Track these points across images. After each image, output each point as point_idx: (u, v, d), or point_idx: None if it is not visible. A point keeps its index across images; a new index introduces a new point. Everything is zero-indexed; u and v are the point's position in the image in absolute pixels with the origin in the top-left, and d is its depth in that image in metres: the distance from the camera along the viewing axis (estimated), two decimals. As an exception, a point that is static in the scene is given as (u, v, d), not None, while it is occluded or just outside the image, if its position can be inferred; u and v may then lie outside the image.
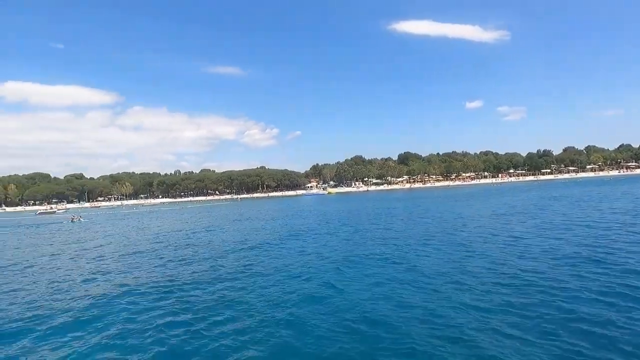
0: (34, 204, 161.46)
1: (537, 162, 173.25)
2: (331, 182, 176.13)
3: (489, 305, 9.02)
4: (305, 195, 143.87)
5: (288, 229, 29.89)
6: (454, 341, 7.29)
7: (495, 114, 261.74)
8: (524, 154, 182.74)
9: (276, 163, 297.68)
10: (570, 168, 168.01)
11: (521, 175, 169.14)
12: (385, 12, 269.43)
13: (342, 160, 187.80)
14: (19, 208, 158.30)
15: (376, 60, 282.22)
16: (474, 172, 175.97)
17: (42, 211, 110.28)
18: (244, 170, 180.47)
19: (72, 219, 58.83)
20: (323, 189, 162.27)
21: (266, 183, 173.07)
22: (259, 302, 10.56)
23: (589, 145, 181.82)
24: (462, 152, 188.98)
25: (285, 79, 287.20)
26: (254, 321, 9.10)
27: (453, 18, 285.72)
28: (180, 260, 17.68)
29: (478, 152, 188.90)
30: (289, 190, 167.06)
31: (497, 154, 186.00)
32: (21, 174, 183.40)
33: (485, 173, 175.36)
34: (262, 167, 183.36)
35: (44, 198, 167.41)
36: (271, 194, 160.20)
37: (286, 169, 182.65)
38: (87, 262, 19.05)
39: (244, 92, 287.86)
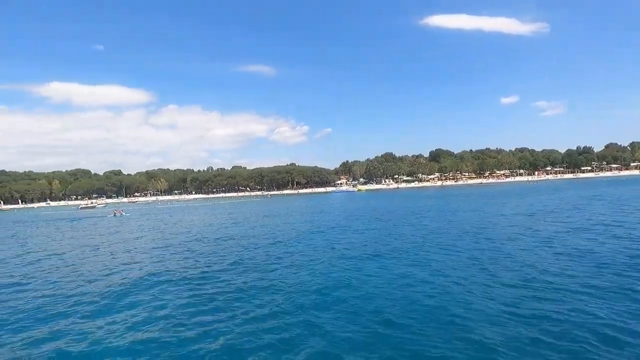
0: (76, 199, 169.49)
1: (576, 159, 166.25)
2: (361, 179, 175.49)
3: (516, 310, 8.72)
4: (334, 192, 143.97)
5: (316, 224, 30.07)
6: (471, 343, 7.24)
7: (532, 109, 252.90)
8: (562, 151, 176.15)
9: (306, 160, 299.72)
10: (613, 165, 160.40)
11: (559, 173, 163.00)
12: (418, 7, 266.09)
13: (372, 157, 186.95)
14: (62, 203, 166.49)
15: (408, 56, 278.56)
16: (509, 169, 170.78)
17: (83, 206, 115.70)
18: (274, 167, 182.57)
19: (115, 213, 61.47)
20: (353, 185, 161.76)
21: (296, 180, 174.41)
22: (280, 296, 10.78)
23: (633, 142, 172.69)
24: (496, 148, 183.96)
25: (316, 76, 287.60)
26: (271, 315, 9.30)
27: (489, 11, 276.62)
28: (210, 253, 18.43)
29: (513, 149, 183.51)
30: (318, 187, 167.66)
31: (533, 150, 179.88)
32: (64, 170, 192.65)
33: (521, 170, 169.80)
34: (292, 164, 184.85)
35: (85, 193, 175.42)
36: (301, 191, 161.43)
37: (316, 166, 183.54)
38: (126, 252, 20.56)
39: (274, 90, 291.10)
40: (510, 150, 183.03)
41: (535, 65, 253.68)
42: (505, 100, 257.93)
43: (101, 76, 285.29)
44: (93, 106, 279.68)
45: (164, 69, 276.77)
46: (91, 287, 13.05)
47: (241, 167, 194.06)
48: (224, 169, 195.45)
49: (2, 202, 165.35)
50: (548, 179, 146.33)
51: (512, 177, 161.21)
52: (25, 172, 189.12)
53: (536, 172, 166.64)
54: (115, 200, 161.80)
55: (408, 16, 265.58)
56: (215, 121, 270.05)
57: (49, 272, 16.10)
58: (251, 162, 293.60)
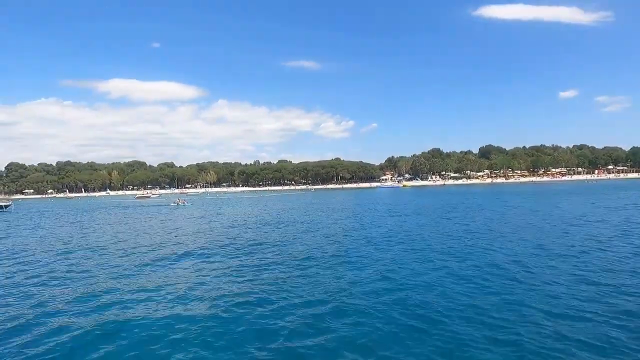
0: (132, 189, 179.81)
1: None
2: (406, 175, 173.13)
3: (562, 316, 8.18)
4: (379, 187, 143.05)
5: (359, 219, 29.85)
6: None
7: (593, 104, 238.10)
8: (626, 149, 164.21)
9: (350, 155, 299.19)
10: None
11: (622, 172, 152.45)
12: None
13: (418, 153, 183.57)
14: (120, 192, 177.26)
15: (459, 49, 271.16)
16: (566, 167, 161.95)
17: (139, 195, 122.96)
18: (318, 161, 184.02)
19: (178, 202, 64.60)
20: (398, 181, 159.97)
21: (340, 175, 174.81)
22: (314, 287, 10.79)
23: None
24: (552, 145, 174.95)
25: (362, 71, 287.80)
26: (303, 305, 9.34)
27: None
28: (255, 244, 19.01)
29: (571, 146, 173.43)
30: (363, 183, 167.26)
31: (593, 148, 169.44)
32: (122, 162, 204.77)
33: (579, 169, 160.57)
34: (336, 159, 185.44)
35: (140, 184, 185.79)
36: (345, 186, 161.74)
37: (361, 161, 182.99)
38: (186, 235, 23.02)
39: (321, 85, 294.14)
40: (567, 147, 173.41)
41: (597, 57, 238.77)
42: (564, 95, 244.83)
43: (157, 73, 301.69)
44: (149, 101, 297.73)
45: (214, 65, 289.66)
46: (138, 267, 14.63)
47: (287, 161, 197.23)
48: (270, 162, 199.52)
49: (67, 191, 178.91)
50: (609, 178, 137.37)
51: (569, 176, 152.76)
52: (88, 162, 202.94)
53: (596, 171, 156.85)
54: (168, 191, 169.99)
55: (460, 7, 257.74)
56: (262, 116, 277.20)
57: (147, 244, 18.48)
58: (296, 157, 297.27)
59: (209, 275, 12.68)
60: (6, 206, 61.33)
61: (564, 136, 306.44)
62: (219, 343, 7.49)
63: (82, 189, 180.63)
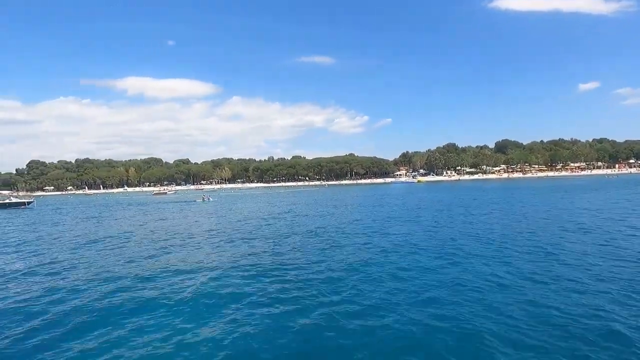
0: (149, 186, 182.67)
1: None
2: (421, 171, 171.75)
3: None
4: (394, 183, 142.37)
5: (374, 216, 28.49)
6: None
7: (614, 96, 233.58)
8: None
9: (365, 150, 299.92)
10: None
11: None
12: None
13: (433, 148, 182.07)
14: (137, 189, 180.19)
15: (474, 42, 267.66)
16: (585, 161, 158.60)
17: (156, 192, 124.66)
18: (332, 157, 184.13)
19: (203, 198, 65.49)
20: (412, 177, 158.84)
21: (354, 170, 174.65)
22: (324, 285, 10.22)
23: None
24: (571, 139, 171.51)
25: (377, 66, 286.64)
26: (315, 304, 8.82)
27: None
28: (277, 243, 17.97)
29: (590, 140, 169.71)
30: (377, 178, 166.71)
31: (614, 141, 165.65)
32: (139, 159, 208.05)
33: (599, 163, 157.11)
34: (350, 155, 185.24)
35: (157, 180, 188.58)
36: (359, 181, 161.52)
37: (375, 157, 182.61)
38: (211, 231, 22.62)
39: (334, 80, 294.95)
40: (587, 141, 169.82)
41: (618, 48, 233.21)
42: (584, 87, 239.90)
43: (172, 70, 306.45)
44: (164, 99, 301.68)
45: (228, 62, 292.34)
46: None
47: (300, 157, 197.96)
48: (284, 158, 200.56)
49: (86, 188, 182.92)
50: (631, 173, 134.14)
51: (589, 170, 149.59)
52: (105, 160, 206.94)
53: (617, 165, 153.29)
54: (183, 187, 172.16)
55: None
56: (276, 112, 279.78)
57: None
58: (309, 152, 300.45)
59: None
60: (29, 203, 62.84)
61: (584, 130, 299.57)
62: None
63: (100, 186, 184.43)
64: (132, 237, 21.29)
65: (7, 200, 62.57)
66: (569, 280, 9.65)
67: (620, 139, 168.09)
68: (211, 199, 64.76)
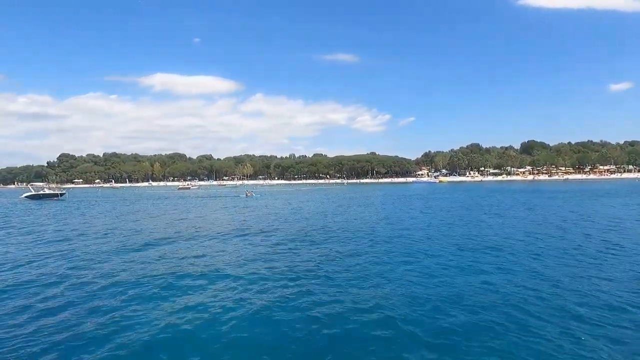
0: (173, 180, 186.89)
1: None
2: (443, 171, 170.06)
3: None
4: (415, 182, 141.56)
5: (395, 217, 26.95)
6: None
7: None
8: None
9: (386, 149, 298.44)
10: None
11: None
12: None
13: (456, 148, 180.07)
14: (161, 183, 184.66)
15: (502, 40, 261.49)
16: (615, 164, 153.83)
17: (181, 187, 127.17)
18: (354, 155, 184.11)
19: (247, 194, 66.94)
20: (434, 177, 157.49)
21: (376, 169, 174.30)
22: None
23: None
24: (601, 141, 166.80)
25: (400, 64, 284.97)
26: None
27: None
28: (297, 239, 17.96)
29: (621, 142, 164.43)
30: (398, 177, 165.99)
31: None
32: (164, 154, 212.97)
33: (630, 166, 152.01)
34: (372, 153, 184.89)
35: (180, 175, 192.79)
36: (380, 180, 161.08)
37: (396, 156, 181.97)
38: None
39: (358, 78, 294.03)
40: (617, 144, 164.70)
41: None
42: (616, 87, 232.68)
43: (197, 67, 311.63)
44: (189, 95, 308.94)
45: (252, 59, 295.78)
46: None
47: (322, 154, 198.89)
48: (305, 156, 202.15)
49: (113, 181, 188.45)
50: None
51: (619, 174, 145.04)
52: (132, 154, 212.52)
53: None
54: (206, 182, 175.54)
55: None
56: (298, 109, 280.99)
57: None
58: (331, 150, 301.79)
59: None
60: (61, 194, 65.55)
61: (615, 132, 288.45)
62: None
63: (126, 180, 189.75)
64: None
65: (42, 192, 65.47)
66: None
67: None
68: (254, 195, 66.28)
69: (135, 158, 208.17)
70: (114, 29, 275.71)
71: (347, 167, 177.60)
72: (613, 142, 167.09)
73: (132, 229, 22.66)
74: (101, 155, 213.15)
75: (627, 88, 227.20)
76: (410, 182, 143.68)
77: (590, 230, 18.94)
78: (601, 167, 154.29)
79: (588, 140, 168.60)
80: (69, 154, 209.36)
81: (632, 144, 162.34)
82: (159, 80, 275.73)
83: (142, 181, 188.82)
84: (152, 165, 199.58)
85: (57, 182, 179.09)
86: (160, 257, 14.03)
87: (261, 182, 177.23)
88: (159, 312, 8.28)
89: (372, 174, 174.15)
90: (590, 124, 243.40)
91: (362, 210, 33.33)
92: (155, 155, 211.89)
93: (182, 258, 13.73)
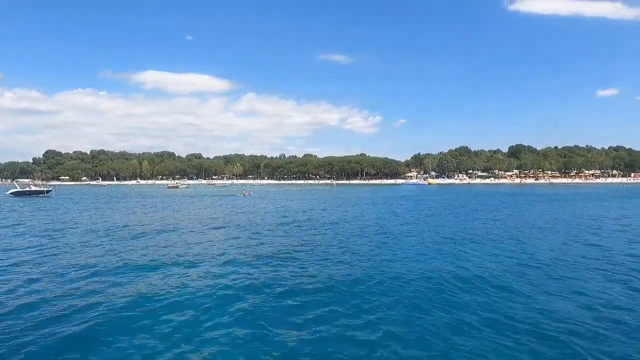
0: (161, 179, 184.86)
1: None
2: (432, 173, 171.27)
3: None
4: (404, 184, 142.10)
5: (381, 219, 26.29)
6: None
7: (633, 103, 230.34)
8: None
9: (377, 151, 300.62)
10: None
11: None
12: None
13: (445, 150, 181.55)
14: (149, 182, 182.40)
15: (492, 45, 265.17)
16: (600, 169, 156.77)
17: (170, 185, 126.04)
18: (344, 156, 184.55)
19: (244, 193, 66.48)
20: (423, 179, 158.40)
21: (365, 170, 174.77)
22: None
23: None
24: (586, 146, 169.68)
25: (393, 66, 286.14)
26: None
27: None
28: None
29: (606, 147, 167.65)
30: (388, 179, 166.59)
31: (630, 150, 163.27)
32: (152, 152, 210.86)
33: (614, 171, 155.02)
34: (362, 155, 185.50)
35: (169, 174, 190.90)
36: (370, 182, 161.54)
37: (386, 157, 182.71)
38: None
39: (350, 79, 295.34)
40: (602, 149, 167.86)
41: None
42: (602, 93, 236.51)
43: (189, 65, 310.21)
44: (181, 93, 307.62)
45: (245, 58, 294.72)
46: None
47: (312, 155, 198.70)
48: (295, 156, 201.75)
49: (100, 179, 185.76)
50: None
51: (603, 178, 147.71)
52: (120, 152, 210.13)
53: (632, 174, 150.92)
54: (195, 181, 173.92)
55: (496, 1, 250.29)
56: (290, 110, 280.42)
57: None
58: (323, 151, 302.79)
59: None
60: (48, 191, 64.25)
61: (601, 137, 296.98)
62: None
63: (114, 177, 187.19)
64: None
65: (28, 189, 64.22)
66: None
67: (638, 147, 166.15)
68: (252, 194, 65.87)
69: (123, 156, 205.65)
70: (103, 25, 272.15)
71: (337, 168, 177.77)
72: (598, 147, 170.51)
73: (116, 225, 22.56)
74: (88, 152, 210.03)
75: (613, 94, 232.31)
76: (399, 184, 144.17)
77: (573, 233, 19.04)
78: (586, 171, 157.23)
79: (574, 145, 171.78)
80: (55, 151, 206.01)
81: (616, 149, 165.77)
82: (150, 77, 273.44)
83: (130, 179, 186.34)
84: (140, 164, 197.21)
85: (42, 179, 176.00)
86: (144, 252, 14.13)
87: (251, 181, 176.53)
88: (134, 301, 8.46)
89: (362, 175, 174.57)
90: (576, 129, 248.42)
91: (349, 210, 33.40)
92: (143, 153, 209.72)
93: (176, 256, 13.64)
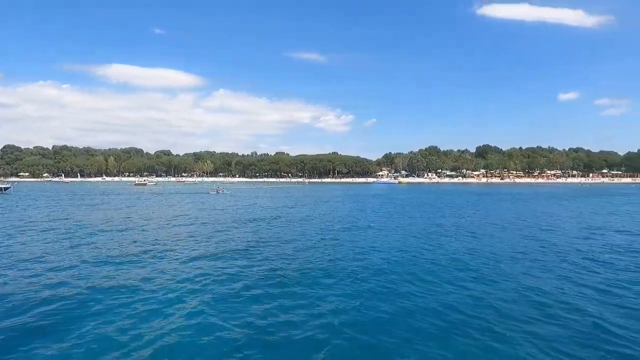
0: (128, 176, 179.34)
1: (637, 162, 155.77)
2: (403, 172, 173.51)
3: None
4: (376, 183, 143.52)
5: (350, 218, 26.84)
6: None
7: (592, 107, 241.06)
8: (622, 153, 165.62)
9: (349, 149, 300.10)
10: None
11: (616, 177, 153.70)
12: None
13: (415, 150, 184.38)
14: (116, 178, 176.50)
15: (461, 47, 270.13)
16: (560, 169, 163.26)
17: (138, 182, 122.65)
18: (316, 155, 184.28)
19: (217, 190, 65.11)
20: (394, 178, 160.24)
21: (337, 169, 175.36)
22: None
23: None
24: (549, 147, 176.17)
25: (365, 65, 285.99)
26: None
27: (554, 1, 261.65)
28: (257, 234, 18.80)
29: (567, 149, 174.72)
30: (359, 177, 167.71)
31: (589, 151, 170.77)
32: (119, 148, 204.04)
33: (574, 172, 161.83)
34: (334, 153, 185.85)
35: (137, 171, 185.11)
36: (342, 180, 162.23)
37: (358, 156, 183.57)
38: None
39: (323, 78, 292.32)
40: (563, 150, 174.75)
41: (599, 60, 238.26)
42: (564, 97, 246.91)
43: (158, 59, 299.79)
44: (149, 88, 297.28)
45: (216, 54, 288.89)
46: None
47: (284, 153, 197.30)
48: (267, 154, 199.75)
49: (63, 175, 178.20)
50: (604, 183, 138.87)
51: (564, 178, 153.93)
52: (84, 147, 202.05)
53: (590, 175, 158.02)
54: (164, 179, 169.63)
55: (466, 5, 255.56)
56: (263, 107, 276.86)
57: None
58: (294, 149, 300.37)
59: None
60: (6, 188, 61.10)
61: (562, 138, 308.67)
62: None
63: (78, 174, 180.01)
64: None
65: None
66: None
67: (595, 149, 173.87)
68: (225, 191, 64.63)
69: (88, 152, 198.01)
70: (66, 17, 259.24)
71: (310, 167, 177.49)
72: (560, 148, 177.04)
73: (77, 223, 22.00)
74: (50, 147, 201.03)
75: (574, 98, 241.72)
76: (370, 183, 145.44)
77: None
78: (548, 171, 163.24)
79: (537, 146, 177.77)
80: (13, 146, 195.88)
81: (576, 150, 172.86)
82: (116, 71, 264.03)
83: (95, 176, 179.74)
84: (106, 160, 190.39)
85: (0, 175, 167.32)
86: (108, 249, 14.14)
87: (221, 179, 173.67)
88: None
89: (334, 174, 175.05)
90: (540, 130, 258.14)
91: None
92: (109, 149, 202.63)
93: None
